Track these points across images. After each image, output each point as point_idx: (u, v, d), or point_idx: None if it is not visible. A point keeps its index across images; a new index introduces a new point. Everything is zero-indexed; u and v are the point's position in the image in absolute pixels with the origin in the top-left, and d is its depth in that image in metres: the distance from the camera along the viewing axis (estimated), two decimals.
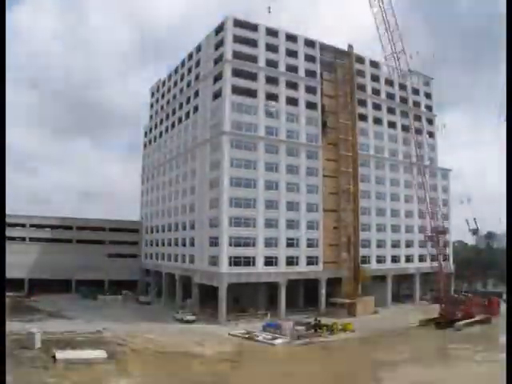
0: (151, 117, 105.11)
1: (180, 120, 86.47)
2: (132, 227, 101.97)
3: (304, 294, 75.00)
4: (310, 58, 77.07)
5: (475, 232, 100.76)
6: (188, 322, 62.29)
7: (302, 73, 75.84)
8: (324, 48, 79.13)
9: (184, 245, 78.26)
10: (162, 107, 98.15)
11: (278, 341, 51.57)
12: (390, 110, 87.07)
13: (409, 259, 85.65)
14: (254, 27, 72.52)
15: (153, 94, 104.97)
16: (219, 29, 73.38)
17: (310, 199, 72.96)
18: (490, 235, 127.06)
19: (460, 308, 63.45)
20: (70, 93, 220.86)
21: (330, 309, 70.27)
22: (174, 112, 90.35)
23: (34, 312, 66.37)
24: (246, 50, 71.50)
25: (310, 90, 76.24)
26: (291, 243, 70.51)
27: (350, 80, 79.27)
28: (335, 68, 79.48)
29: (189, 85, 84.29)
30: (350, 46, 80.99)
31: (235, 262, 65.78)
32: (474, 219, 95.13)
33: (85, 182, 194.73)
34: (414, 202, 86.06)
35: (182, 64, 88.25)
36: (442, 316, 62.52)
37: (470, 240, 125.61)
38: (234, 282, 65.10)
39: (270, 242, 68.73)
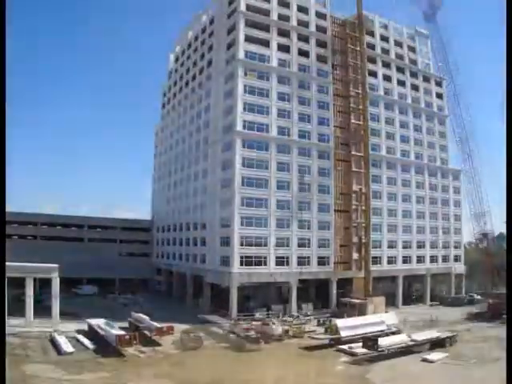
0: (163, 117, 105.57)
1: (192, 120, 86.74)
2: (143, 226, 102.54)
3: (315, 294, 74.86)
4: (321, 58, 77.14)
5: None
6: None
7: (313, 71, 75.90)
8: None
9: (195, 244, 78.53)
10: (173, 107, 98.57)
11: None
12: (402, 110, 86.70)
13: (420, 260, 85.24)
14: (266, 27, 72.79)
15: (164, 94, 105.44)
16: (231, 28, 73.67)
17: (321, 199, 72.94)
18: (502, 236, 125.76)
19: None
20: None
21: (341, 309, 70.07)
22: (185, 112, 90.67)
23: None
24: (258, 50, 71.81)
25: (322, 90, 76.27)
26: (302, 243, 70.54)
27: (362, 80, 78.98)
28: (346, 68, 79.29)
29: (200, 84, 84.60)
30: (362, 45, 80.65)
31: (246, 261, 65.95)
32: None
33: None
34: (426, 203, 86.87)
35: (194, 64, 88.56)
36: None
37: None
38: (245, 282, 65.24)
39: (281, 242, 68.80)
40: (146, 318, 51.98)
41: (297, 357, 44.68)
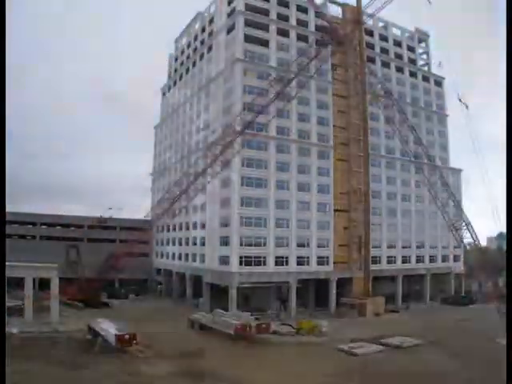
0: (162, 117, 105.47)
1: (191, 119, 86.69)
2: (143, 226, 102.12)
3: (315, 294, 74.87)
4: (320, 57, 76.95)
5: None
6: None
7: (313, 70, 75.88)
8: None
9: (195, 244, 78.49)
10: (172, 107, 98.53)
11: None
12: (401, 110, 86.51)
13: (419, 260, 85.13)
14: (266, 26, 72.81)
15: (164, 94, 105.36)
16: (231, 28, 73.70)
17: (320, 199, 72.90)
18: (502, 236, 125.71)
19: None
20: None
21: (340, 309, 70.14)
22: (184, 111, 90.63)
23: None
24: (257, 49, 71.93)
25: (322, 89, 76.28)
26: (302, 243, 70.56)
27: (362, 80, 78.91)
28: (346, 68, 79.27)
29: (200, 83, 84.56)
30: (361, 44, 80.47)
31: (246, 261, 65.97)
32: None
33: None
34: (425, 202, 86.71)
35: (194, 64, 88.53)
36: None
37: (482, 240, 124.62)
38: (245, 282, 65.24)
39: (280, 242, 68.84)
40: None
41: None
